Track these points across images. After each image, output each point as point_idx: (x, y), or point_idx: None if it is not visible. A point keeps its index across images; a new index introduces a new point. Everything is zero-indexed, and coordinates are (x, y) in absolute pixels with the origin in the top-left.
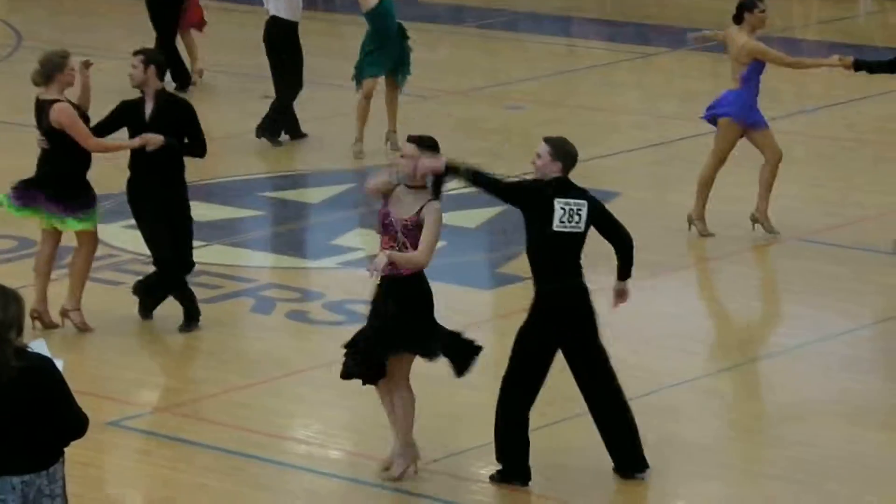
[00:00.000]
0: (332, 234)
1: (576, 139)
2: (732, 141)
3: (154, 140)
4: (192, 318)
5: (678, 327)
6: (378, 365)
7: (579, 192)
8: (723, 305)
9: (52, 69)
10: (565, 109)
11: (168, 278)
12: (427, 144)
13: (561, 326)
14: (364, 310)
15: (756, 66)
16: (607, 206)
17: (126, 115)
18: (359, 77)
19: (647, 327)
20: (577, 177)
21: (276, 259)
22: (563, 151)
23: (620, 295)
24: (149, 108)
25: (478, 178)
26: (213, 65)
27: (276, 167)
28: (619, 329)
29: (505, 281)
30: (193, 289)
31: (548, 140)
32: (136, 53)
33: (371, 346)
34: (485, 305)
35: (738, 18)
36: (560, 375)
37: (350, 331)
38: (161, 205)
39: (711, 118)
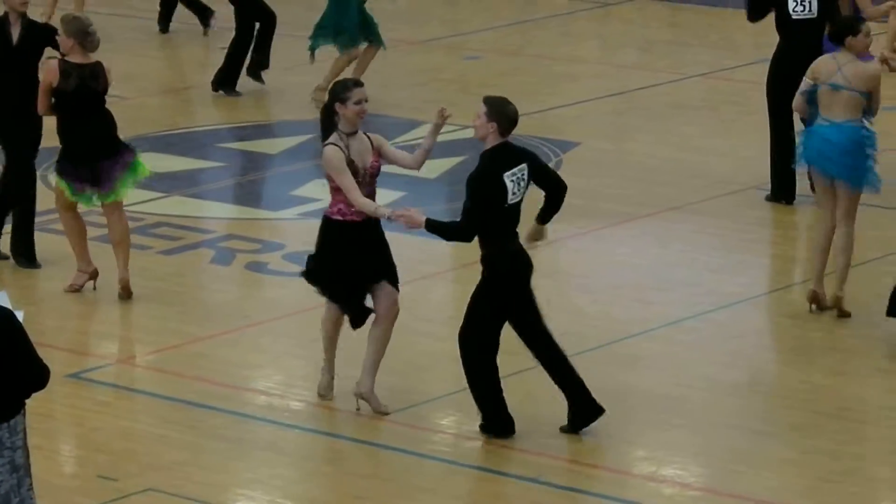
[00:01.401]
0: (292, 185)
1: (534, 89)
2: None
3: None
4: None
5: (637, 277)
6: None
7: (519, 156)
8: (682, 255)
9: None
10: (524, 59)
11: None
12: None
13: (516, 286)
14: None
15: None
16: (566, 155)
17: None
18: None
19: (606, 277)
20: (536, 127)
21: (235, 210)
22: (500, 111)
23: (538, 237)
24: (15, 32)
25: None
26: (174, 17)
27: (236, 118)
28: (578, 279)
29: None
30: (152, 240)
31: (486, 100)
32: None
33: None
34: (445, 256)
35: None
36: None
37: None
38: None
39: None
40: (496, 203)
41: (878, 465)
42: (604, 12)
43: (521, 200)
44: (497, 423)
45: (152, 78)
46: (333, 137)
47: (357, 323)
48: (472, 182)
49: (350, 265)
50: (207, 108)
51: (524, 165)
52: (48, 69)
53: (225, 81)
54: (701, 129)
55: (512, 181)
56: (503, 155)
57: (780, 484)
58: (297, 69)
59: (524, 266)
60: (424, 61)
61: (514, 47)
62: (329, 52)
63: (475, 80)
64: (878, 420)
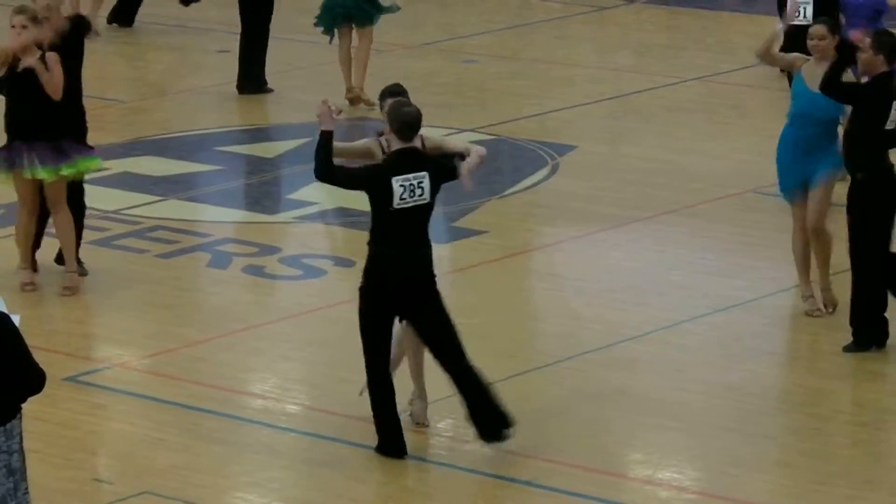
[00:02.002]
0: (289, 189)
1: (531, 92)
2: None
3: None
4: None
5: (634, 280)
6: None
7: (421, 164)
8: (678, 258)
9: None
10: (520, 63)
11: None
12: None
13: (398, 294)
14: (320, 264)
15: None
16: (563, 159)
17: None
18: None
19: (602, 280)
20: (532, 131)
21: (232, 214)
22: (392, 115)
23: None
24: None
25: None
26: (168, 19)
27: (232, 121)
28: (575, 282)
29: (461, 235)
30: (149, 244)
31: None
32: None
33: None
34: (441, 259)
35: None
36: (520, 329)
37: (307, 285)
38: None
39: None
40: (380, 202)
41: (873, 468)
42: (599, 16)
43: (419, 209)
44: (386, 440)
45: (149, 81)
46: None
47: None
48: (366, 166)
49: None
50: (204, 112)
51: (424, 174)
52: (58, 61)
53: (254, 82)
54: (697, 132)
55: (402, 186)
56: (402, 159)
57: (775, 487)
58: (292, 73)
59: (398, 274)
60: (421, 65)
61: (510, 51)
62: (308, 56)
63: (472, 83)
64: (873, 423)
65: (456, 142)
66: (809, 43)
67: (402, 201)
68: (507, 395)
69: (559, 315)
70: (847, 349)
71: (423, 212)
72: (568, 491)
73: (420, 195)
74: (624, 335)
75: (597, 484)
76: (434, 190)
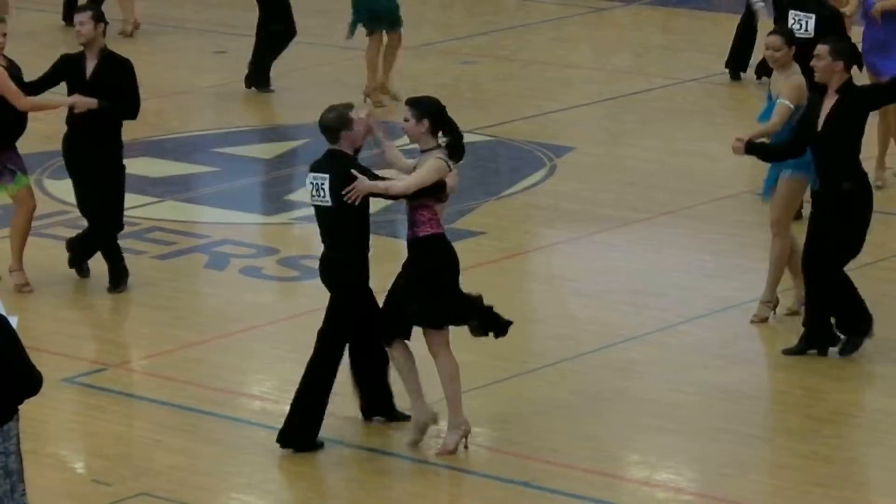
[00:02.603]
0: (286, 190)
1: (528, 94)
2: None
3: (84, 102)
4: (119, 277)
5: (631, 281)
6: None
7: (327, 166)
8: (676, 260)
9: None
10: (518, 64)
11: (98, 236)
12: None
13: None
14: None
15: None
16: (560, 160)
17: (66, 71)
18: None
19: (599, 281)
20: (530, 132)
21: (229, 215)
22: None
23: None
24: (90, 66)
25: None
26: (166, 20)
27: (230, 123)
28: (573, 283)
29: (458, 236)
30: (147, 245)
31: None
32: (82, 10)
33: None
34: None
35: None
36: (517, 330)
37: (305, 286)
38: (94, 162)
39: None
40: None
41: (871, 469)
42: (597, 17)
43: (322, 210)
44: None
45: (146, 82)
46: None
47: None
48: None
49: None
50: (202, 113)
51: (325, 176)
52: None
53: (257, 80)
54: (695, 133)
55: (311, 184)
56: (322, 158)
57: (773, 488)
58: (291, 75)
59: (320, 273)
60: (419, 66)
61: (508, 52)
62: (306, 59)
63: (469, 85)
64: (871, 424)
65: (419, 170)
66: (765, 54)
67: (312, 198)
68: (505, 397)
69: (556, 317)
70: (788, 351)
71: (326, 214)
72: (565, 492)
73: (322, 197)
74: (621, 336)
75: (594, 485)
76: (335, 195)
